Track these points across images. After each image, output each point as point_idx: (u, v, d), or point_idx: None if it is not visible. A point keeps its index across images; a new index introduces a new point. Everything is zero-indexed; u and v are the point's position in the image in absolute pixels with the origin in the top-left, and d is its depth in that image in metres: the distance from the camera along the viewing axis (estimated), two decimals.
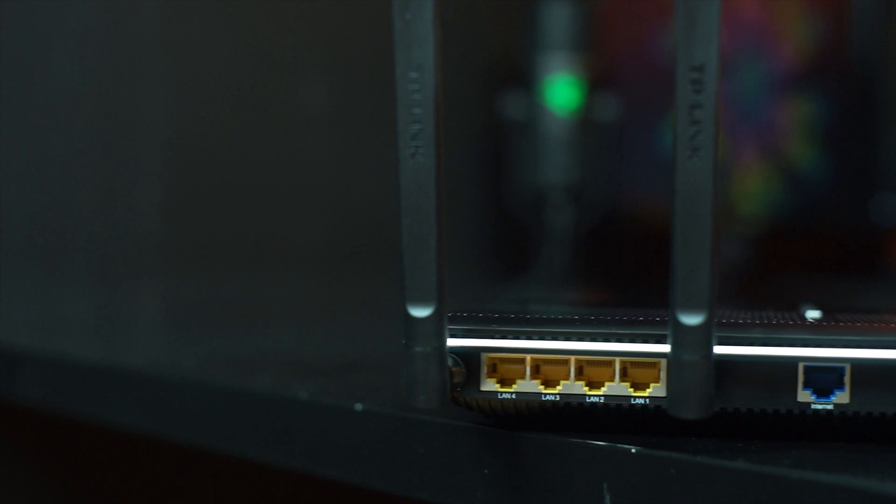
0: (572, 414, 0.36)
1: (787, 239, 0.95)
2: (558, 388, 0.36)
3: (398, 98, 0.33)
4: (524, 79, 0.84)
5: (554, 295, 0.71)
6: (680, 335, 0.32)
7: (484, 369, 0.36)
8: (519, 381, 0.36)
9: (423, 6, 0.32)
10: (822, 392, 0.35)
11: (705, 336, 0.32)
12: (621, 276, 0.86)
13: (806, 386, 0.35)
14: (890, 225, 0.94)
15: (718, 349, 0.34)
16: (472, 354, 0.36)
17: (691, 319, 0.32)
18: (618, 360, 0.35)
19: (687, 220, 0.31)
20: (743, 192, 0.94)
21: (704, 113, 0.31)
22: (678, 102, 0.31)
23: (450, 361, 0.35)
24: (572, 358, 0.35)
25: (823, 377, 0.35)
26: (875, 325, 0.36)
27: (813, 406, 0.35)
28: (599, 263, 0.86)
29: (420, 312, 0.33)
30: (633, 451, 0.34)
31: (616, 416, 0.36)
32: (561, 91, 0.83)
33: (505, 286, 0.83)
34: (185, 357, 0.57)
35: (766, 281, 0.89)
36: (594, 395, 0.35)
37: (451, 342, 0.35)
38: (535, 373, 0.36)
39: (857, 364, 0.34)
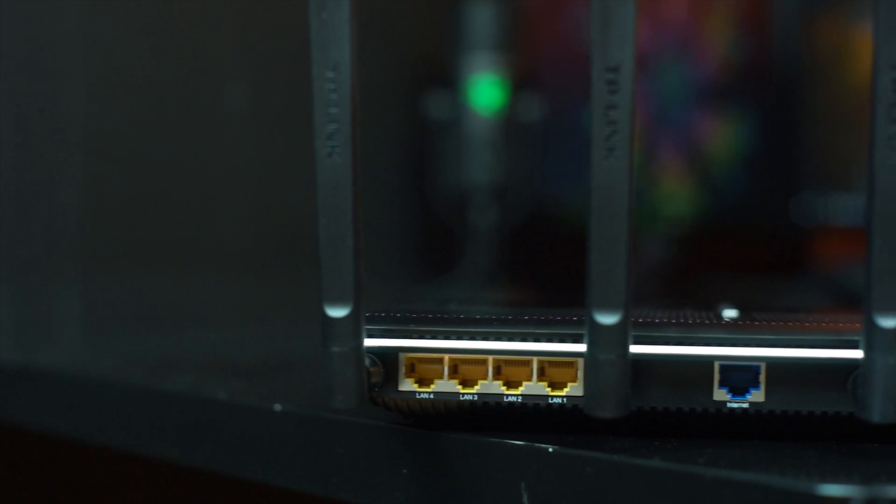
0: (490, 413, 0.36)
1: (709, 238, 0.95)
2: (476, 387, 0.36)
3: (314, 98, 0.32)
4: (448, 79, 0.84)
5: (477, 295, 0.71)
6: (596, 334, 0.32)
7: (402, 369, 0.36)
8: (437, 381, 0.36)
9: (339, 6, 0.32)
10: (738, 391, 0.35)
11: (621, 335, 0.32)
12: (545, 275, 0.86)
13: (722, 384, 0.35)
14: (812, 225, 0.95)
15: (635, 348, 0.34)
16: (389, 354, 0.36)
17: (607, 319, 0.32)
18: (535, 359, 0.35)
19: (603, 219, 0.32)
20: (665, 193, 0.95)
21: (620, 113, 0.31)
22: (594, 103, 0.31)
23: (367, 361, 0.35)
24: (490, 358, 0.35)
25: (739, 376, 0.35)
26: (790, 324, 0.36)
27: (728, 404, 0.35)
28: (523, 263, 0.86)
29: (337, 312, 0.33)
30: (551, 450, 0.34)
31: (534, 415, 0.36)
32: (485, 91, 0.83)
33: (429, 286, 0.83)
34: (103, 358, 0.57)
35: (688, 280, 0.90)
36: (512, 395, 0.36)
37: (369, 342, 0.35)
38: (453, 372, 0.36)
39: (772, 363, 0.35)
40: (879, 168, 0.31)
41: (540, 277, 0.84)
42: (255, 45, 0.72)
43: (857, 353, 0.33)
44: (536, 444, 0.35)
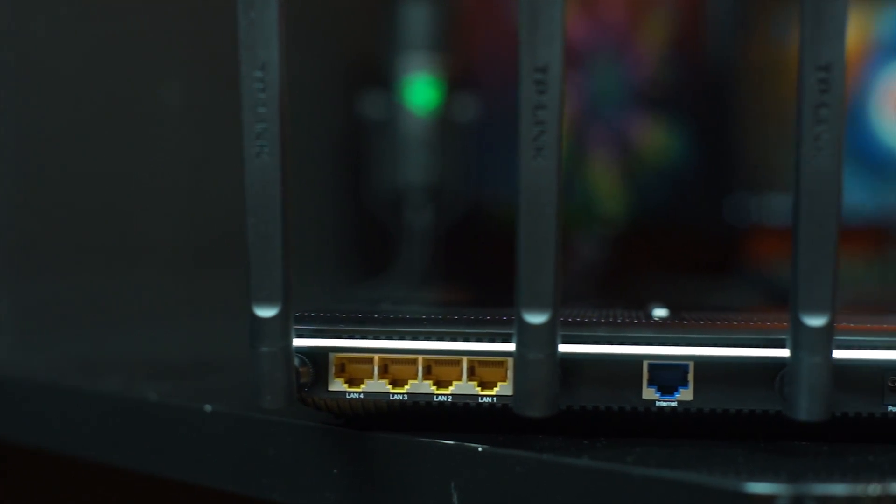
0: (420, 413, 0.36)
1: (642, 238, 0.96)
2: (406, 387, 0.36)
3: (243, 97, 0.32)
4: (383, 78, 0.84)
5: (412, 295, 0.71)
6: (525, 334, 0.32)
7: (332, 369, 0.36)
8: (367, 381, 0.36)
9: (267, 5, 0.32)
10: (667, 389, 0.35)
11: (550, 335, 0.32)
12: (481, 275, 0.87)
13: (650, 383, 0.35)
14: (745, 225, 0.96)
15: (563, 347, 0.34)
16: (319, 354, 0.35)
17: (535, 318, 0.32)
18: (465, 359, 0.35)
19: (531, 219, 0.32)
20: (598, 192, 0.95)
21: (549, 113, 0.31)
22: (522, 103, 0.31)
23: (297, 361, 0.35)
24: (420, 357, 0.35)
25: (667, 375, 0.35)
26: (719, 323, 0.36)
27: (657, 403, 0.35)
28: (458, 263, 0.86)
29: (265, 312, 0.33)
30: (480, 449, 0.34)
31: (464, 414, 0.36)
32: (420, 91, 0.83)
33: (364, 286, 0.83)
34: (33, 359, 0.57)
35: (621, 280, 0.90)
36: (442, 395, 0.36)
37: (299, 342, 0.35)
38: (384, 372, 0.36)
39: (700, 362, 0.35)
40: (805, 168, 0.32)
41: (475, 277, 0.84)
42: (187, 42, 0.72)
43: (785, 352, 0.33)
44: (466, 444, 0.35)
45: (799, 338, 0.32)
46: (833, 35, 0.31)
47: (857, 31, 0.99)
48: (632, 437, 0.36)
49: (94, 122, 0.66)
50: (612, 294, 0.85)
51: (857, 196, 0.98)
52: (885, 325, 0.36)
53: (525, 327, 0.32)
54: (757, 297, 0.83)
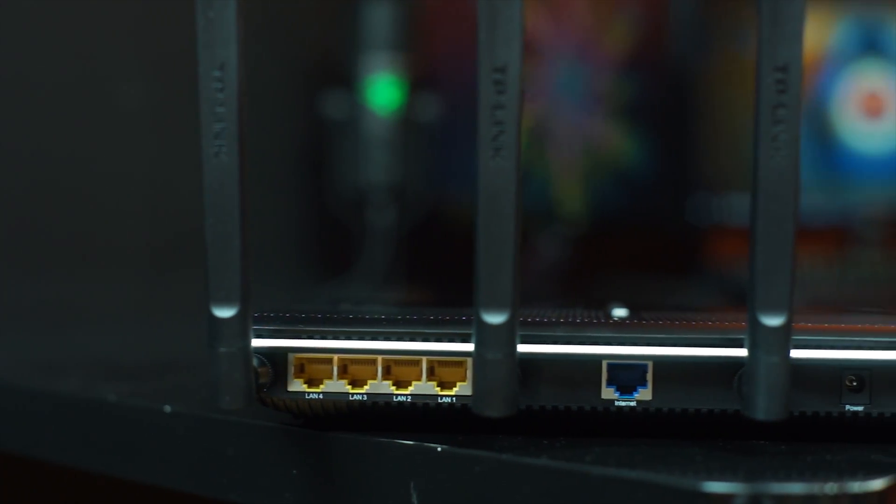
0: (380, 413, 0.36)
1: (604, 238, 0.96)
2: (366, 387, 0.36)
3: (201, 97, 0.32)
4: (345, 78, 0.84)
5: (374, 294, 0.71)
6: (483, 334, 0.32)
7: (291, 369, 0.36)
8: (326, 381, 0.36)
9: (225, 4, 0.32)
10: (626, 389, 0.35)
11: (509, 335, 0.32)
12: (443, 275, 0.87)
13: (609, 383, 0.35)
14: (706, 225, 0.96)
15: (523, 347, 0.34)
16: (278, 354, 0.35)
17: (494, 318, 0.32)
18: (424, 359, 0.35)
19: (490, 219, 0.32)
20: (561, 192, 0.95)
21: (507, 113, 0.31)
22: (481, 103, 0.31)
23: (255, 362, 0.35)
24: (379, 357, 0.35)
25: (626, 374, 0.35)
26: (678, 323, 0.36)
27: (617, 403, 0.35)
28: (421, 262, 0.86)
29: (224, 313, 0.33)
30: (440, 449, 0.34)
31: (423, 415, 0.36)
32: (382, 90, 0.83)
33: (327, 286, 0.83)
34: None
35: (582, 280, 0.90)
36: (401, 395, 0.36)
37: (258, 342, 0.35)
38: (343, 373, 0.36)
39: (658, 361, 0.35)
40: (763, 168, 0.32)
41: (438, 277, 0.84)
42: (148, 43, 0.72)
43: (743, 352, 0.33)
44: (426, 444, 0.35)
45: (756, 337, 0.32)
46: (790, 36, 0.31)
47: (816, 33, 0.99)
48: (591, 437, 0.36)
49: (52, 124, 0.66)
50: (573, 294, 0.85)
51: (818, 196, 0.99)
52: (842, 325, 0.36)
53: (484, 327, 0.32)
54: (718, 297, 0.83)
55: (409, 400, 0.36)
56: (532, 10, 0.95)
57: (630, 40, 0.97)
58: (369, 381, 0.36)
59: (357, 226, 0.84)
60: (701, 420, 0.36)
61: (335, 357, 0.35)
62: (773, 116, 0.31)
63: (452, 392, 0.35)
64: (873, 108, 1.03)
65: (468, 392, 0.35)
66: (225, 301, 0.33)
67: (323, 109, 0.84)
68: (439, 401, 0.36)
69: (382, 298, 0.61)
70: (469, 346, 0.34)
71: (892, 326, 0.36)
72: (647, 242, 0.98)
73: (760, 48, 0.31)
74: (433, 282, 0.80)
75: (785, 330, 0.32)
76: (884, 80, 1.03)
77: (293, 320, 0.36)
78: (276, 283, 0.80)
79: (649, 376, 0.35)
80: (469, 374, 0.35)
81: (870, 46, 1.03)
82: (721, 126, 0.96)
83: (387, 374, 0.36)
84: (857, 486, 0.31)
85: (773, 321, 0.32)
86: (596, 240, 0.95)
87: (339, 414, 0.36)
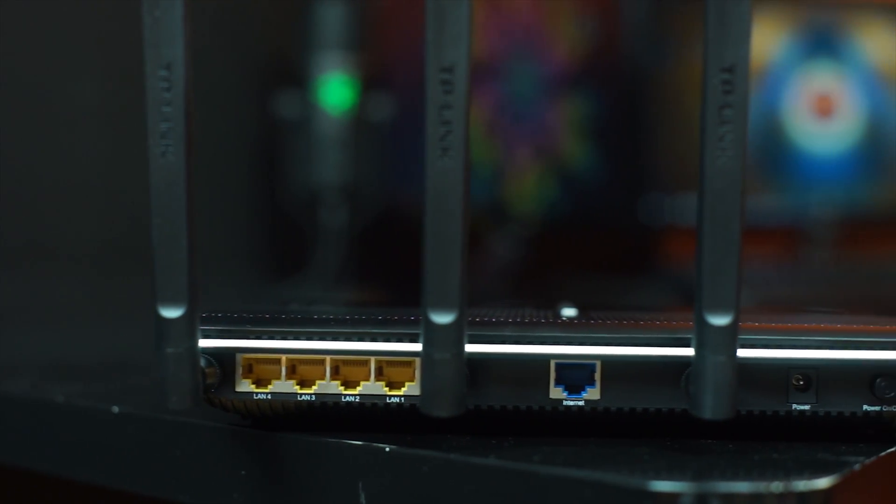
0: (328, 413, 0.36)
1: (559, 238, 0.96)
2: (314, 387, 0.35)
3: (147, 96, 0.32)
4: (298, 77, 0.84)
5: (326, 294, 0.71)
6: (431, 333, 0.32)
7: (239, 370, 0.35)
8: (275, 382, 0.36)
9: (172, 4, 0.32)
10: (574, 389, 0.35)
11: (456, 334, 0.32)
12: (395, 275, 0.87)
13: (558, 383, 0.35)
14: (659, 225, 0.96)
15: (471, 347, 0.34)
16: (226, 355, 0.35)
17: (442, 318, 0.32)
18: (373, 359, 0.35)
19: (437, 219, 0.32)
20: (515, 192, 0.95)
21: (455, 113, 0.31)
22: (428, 103, 0.31)
23: (203, 362, 0.34)
24: (328, 358, 0.35)
25: (574, 374, 0.35)
26: (626, 322, 0.36)
27: (565, 403, 0.35)
28: (373, 262, 0.86)
29: (171, 313, 0.33)
30: (388, 449, 0.34)
31: (372, 415, 0.36)
32: (334, 90, 0.83)
33: (279, 286, 0.83)
34: None
35: (535, 280, 0.90)
36: (350, 395, 0.35)
37: (206, 343, 0.35)
38: (291, 373, 0.36)
39: (606, 361, 0.35)
40: (709, 168, 0.32)
41: (390, 276, 0.84)
42: (100, 42, 0.71)
43: (690, 351, 0.33)
44: (374, 444, 0.35)
45: (703, 337, 0.32)
46: (737, 37, 0.31)
47: (768, 35, 1.00)
48: (539, 437, 0.36)
49: (8, 121, 0.65)
50: (526, 293, 0.85)
51: (769, 197, 0.99)
52: (789, 324, 0.36)
53: (431, 327, 0.32)
54: (670, 297, 0.83)
55: (357, 400, 0.36)
56: (485, 12, 0.95)
57: (584, 42, 0.97)
58: (318, 382, 0.35)
59: (309, 225, 0.84)
60: (649, 419, 0.36)
61: (283, 357, 0.35)
62: (719, 117, 0.32)
63: (401, 392, 0.35)
64: (824, 110, 1.04)
65: (417, 392, 0.35)
66: (172, 301, 0.33)
67: (275, 109, 0.83)
68: (388, 401, 0.36)
69: (334, 298, 0.61)
70: (418, 346, 0.34)
71: (839, 326, 0.36)
72: (600, 242, 0.99)
73: (707, 49, 0.32)
74: (386, 281, 0.80)
75: (731, 329, 0.32)
76: (835, 82, 1.04)
77: (241, 320, 0.36)
78: (229, 283, 0.80)
79: (597, 376, 0.35)
80: (418, 374, 0.35)
81: (821, 48, 1.04)
82: (674, 127, 0.96)
83: (335, 374, 0.36)
84: (803, 485, 0.31)
85: (720, 320, 0.32)
86: (549, 240, 0.95)
87: (288, 414, 0.36)
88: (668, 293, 0.85)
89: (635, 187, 0.97)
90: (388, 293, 0.62)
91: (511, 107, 0.96)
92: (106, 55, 0.72)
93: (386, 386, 0.35)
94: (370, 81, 0.84)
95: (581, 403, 0.35)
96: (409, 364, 0.35)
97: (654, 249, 0.97)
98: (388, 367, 0.35)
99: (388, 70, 0.89)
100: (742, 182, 0.32)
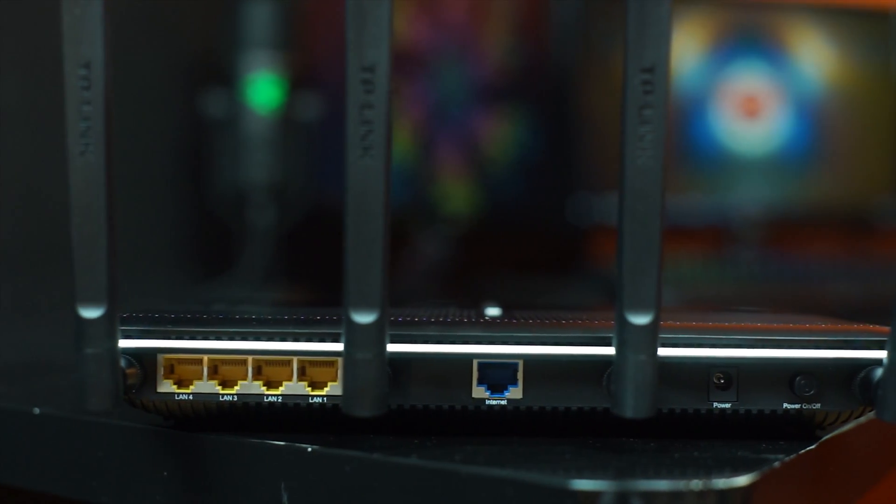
0: (251, 414, 0.36)
1: (484, 238, 0.96)
2: (236, 388, 0.35)
3: (67, 95, 0.32)
4: (225, 76, 0.83)
5: (253, 294, 0.71)
6: (353, 333, 0.32)
7: (160, 370, 0.35)
8: (196, 382, 0.35)
9: (91, 2, 0.31)
10: (497, 388, 0.35)
11: (378, 334, 0.32)
12: (323, 274, 0.86)
13: (480, 382, 0.35)
14: (586, 224, 0.97)
15: (393, 347, 0.34)
16: (147, 355, 0.35)
17: (363, 318, 0.32)
18: (295, 359, 0.35)
19: (358, 219, 0.32)
20: (442, 192, 0.95)
21: (376, 113, 0.31)
22: (349, 102, 0.31)
23: (124, 363, 0.34)
24: (250, 358, 0.35)
25: (497, 373, 0.35)
26: (548, 322, 0.36)
27: (487, 402, 0.35)
28: (302, 262, 0.86)
29: (90, 313, 0.33)
30: (310, 449, 0.34)
31: (294, 415, 0.36)
32: (262, 89, 0.83)
33: (206, 286, 0.82)
34: None
35: (463, 279, 0.90)
36: (272, 395, 0.35)
37: (126, 343, 0.35)
38: (213, 373, 0.35)
39: (529, 360, 0.35)
40: (629, 168, 0.32)
41: (319, 276, 0.84)
42: (19, 39, 0.71)
43: (612, 350, 0.33)
44: (296, 444, 0.35)
45: (624, 336, 0.33)
46: (657, 37, 0.32)
47: (695, 36, 1.01)
48: (462, 436, 0.36)
49: None
50: (455, 293, 0.86)
51: (696, 196, 1.00)
52: (711, 323, 0.37)
53: (353, 327, 0.32)
54: (597, 296, 0.84)
55: (279, 400, 0.35)
56: (413, 12, 0.95)
57: (512, 42, 0.98)
58: (240, 382, 0.35)
59: (237, 225, 0.83)
60: (571, 418, 0.36)
61: (205, 357, 0.35)
62: (639, 117, 0.32)
63: (323, 392, 0.35)
64: (750, 110, 1.05)
65: (339, 392, 0.35)
66: (92, 301, 0.32)
67: (202, 108, 0.83)
68: (310, 401, 0.35)
69: (260, 298, 0.61)
70: (340, 346, 0.33)
71: (760, 325, 0.37)
72: (528, 242, 0.99)
73: (628, 49, 0.32)
74: (315, 281, 0.80)
75: (652, 328, 0.32)
76: (761, 82, 1.05)
77: (162, 321, 0.35)
78: (156, 284, 0.79)
79: (520, 375, 0.35)
80: (340, 374, 0.35)
81: (747, 49, 1.05)
82: (601, 127, 0.97)
83: (257, 374, 0.35)
84: (723, 483, 0.31)
85: (641, 319, 0.32)
86: (476, 239, 0.95)
87: (210, 415, 0.36)
88: (596, 292, 0.86)
89: (563, 187, 0.98)
90: (316, 293, 0.61)
91: (439, 107, 0.96)
92: (25, 53, 0.71)
93: (308, 386, 0.35)
94: (298, 80, 0.84)
95: (504, 402, 0.35)
96: (332, 364, 0.35)
97: (581, 249, 0.97)
98: (311, 367, 0.35)
99: (315, 69, 0.89)
100: (662, 182, 0.32)
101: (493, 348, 0.35)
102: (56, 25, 0.32)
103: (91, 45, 0.32)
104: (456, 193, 0.96)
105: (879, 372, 0.35)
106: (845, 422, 0.37)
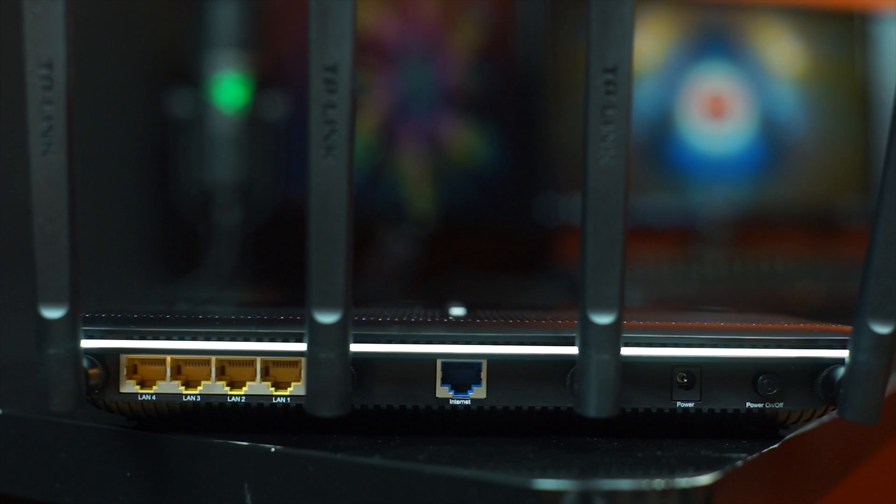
0: (214, 414, 0.36)
1: (451, 237, 0.96)
2: (199, 388, 0.35)
3: (28, 94, 0.32)
4: (191, 76, 0.83)
5: (219, 294, 0.71)
6: (316, 333, 0.32)
7: (123, 371, 0.35)
8: (160, 382, 0.35)
9: (53, 1, 0.31)
10: (460, 388, 0.35)
11: (341, 334, 0.32)
12: (289, 274, 0.86)
13: (444, 382, 0.35)
14: (553, 224, 0.97)
15: (356, 347, 0.34)
16: (110, 355, 0.35)
17: (326, 318, 0.32)
18: (259, 359, 0.35)
19: (321, 218, 0.32)
20: (408, 192, 0.95)
21: (339, 113, 0.31)
22: (312, 102, 0.31)
23: (86, 363, 0.34)
24: (213, 358, 0.35)
25: (461, 373, 0.35)
26: (512, 321, 0.36)
27: (451, 401, 0.35)
28: (267, 262, 0.86)
29: (52, 313, 0.32)
30: (273, 450, 0.34)
31: (258, 415, 0.36)
32: (228, 89, 0.83)
33: (171, 286, 0.82)
34: None
35: (429, 279, 0.90)
36: (235, 395, 0.35)
37: (89, 343, 0.35)
38: (176, 373, 0.35)
39: (492, 360, 0.35)
40: (592, 168, 0.32)
41: (284, 276, 0.84)
42: None
43: (575, 350, 0.34)
44: (260, 444, 0.35)
45: (587, 335, 0.33)
46: (620, 38, 0.32)
47: (659, 36, 1.01)
48: (426, 436, 0.36)
49: None
50: (421, 293, 0.86)
51: (661, 197, 1.00)
52: (673, 323, 0.37)
53: (316, 327, 0.32)
54: (563, 296, 0.84)
55: (243, 401, 0.35)
56: (380, 10, 0.95)
57: (478, 41, 0.98)
58: (203, 382, 0.35)
59: (203, 225, 0.83)
60: (535, 418, 0.36)
61: (168, 358, 0.35)
62: (602, 117, 0.32)
63: (287, 392, 0.35)
64: (716, 110, 1.05)
65: (303, 392, 0.35)
66: (53, 302, 0.32)
67: (168, 107, 0.83)
68: (274, 401, 0.35)
69: (224, 298, 0.60)
70: (304, 346, 0.33)
71: (723, 324, 0.37)
72: (495, 242, 0.99)
73: (590, 50, 0.32)
74: (280, 281, 0.80)
75: (615, 328, 0.32)
76: (727, 83, 1.05)
77: (125, 321, 0.35)
78: (120, 284, 0.79)
79: (483, 375, 0.35)
80: (304, 373, 0.35)
81: (713, 50, 1.05)
82: (568, 127, 0.97)
83: (221, 374, 0.35)
84: (685, 482, 0.31)
85: (603, 319, 0.32)
86: (444, 239, 0.95)
87: (173, 415, 0.36)
88: (563, 292, 0.86)
89: (530, 187, 0.98)
90: (281, 293, 0.61)
91: (404, 107, 0.96)
92: None
93: (272, 386, 0.35)
94: (264, 80, 0.84)
95: (467, 402, 0.35)
96: (296, 364, 0.35)
97: (548, 249, 0.97)
98: (275, 368, 0.35)
99: (281, 69, 0.88)
100: (625, 182, 0.32)
101: (457, 348, 0.35)
102: (18, 24, 0.32)
103: (52, 45, 0.32)
104: (421, 193, 0.96)
105: (841, 371, 0.35)
106: (808, 421, 0.37)
